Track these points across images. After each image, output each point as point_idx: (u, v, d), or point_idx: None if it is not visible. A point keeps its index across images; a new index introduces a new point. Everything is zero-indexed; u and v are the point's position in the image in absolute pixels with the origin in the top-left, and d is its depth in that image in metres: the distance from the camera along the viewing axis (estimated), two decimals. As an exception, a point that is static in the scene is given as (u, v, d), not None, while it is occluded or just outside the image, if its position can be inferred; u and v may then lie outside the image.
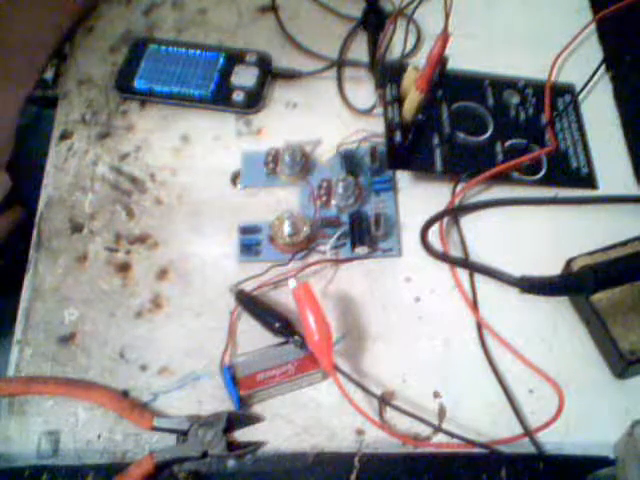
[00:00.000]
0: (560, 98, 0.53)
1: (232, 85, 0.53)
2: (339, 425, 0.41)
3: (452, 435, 0.40)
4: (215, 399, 0.42)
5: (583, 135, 0.51)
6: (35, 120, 0.62)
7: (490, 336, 0.44)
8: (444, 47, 0.46)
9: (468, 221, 0.48)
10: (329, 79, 0.54)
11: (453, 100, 0.51)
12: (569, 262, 0.43)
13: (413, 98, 0.48)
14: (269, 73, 0.54)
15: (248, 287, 0.45)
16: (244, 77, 0.54)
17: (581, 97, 0.52)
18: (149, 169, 0.51)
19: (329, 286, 0.46)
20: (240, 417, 0.41)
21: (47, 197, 0.50)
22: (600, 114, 0.52)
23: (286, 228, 0.45)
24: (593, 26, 0.56)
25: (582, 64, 0.53)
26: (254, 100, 0.53)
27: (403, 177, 0.50)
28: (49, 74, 0.57)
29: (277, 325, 0.43)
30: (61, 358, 0.44)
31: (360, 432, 0.41)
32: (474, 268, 0.45)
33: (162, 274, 0.47)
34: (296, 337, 0.42)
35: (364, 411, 0.40)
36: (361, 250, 0.46)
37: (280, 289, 0.45)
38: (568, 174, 0.49)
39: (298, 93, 0.54)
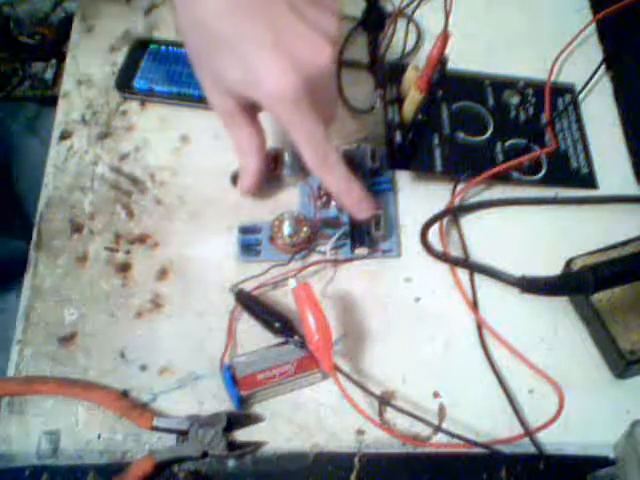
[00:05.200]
0: (560, 98, 0.53)
1: (232, 85, 0.53)
2: (339, 425, 0.41)
3: (452, 435, 0.40)
4: (215, 399, 0.42)
5: (583, 135, 0.51)
6: (34, 119, 0.62)
7: (490, 336, 0.44)
8: (444, 47, 0.46)
9: (468, 221, 0.48)
10: (329, 79, 0.54)
11: (453, 100, 0.51)
12: (569, 262, 0.43)
13: (413, 98, 0.48)
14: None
15: (248, 287, 0.45)
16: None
17: (581, 97, 0.52)
18: (149, 169, 0.51)
19: (329, 286, 0.46)
20: (240, 417, 0.41)
21: (47, 197, 0.50)
22: (600, 114, 0.52)
23: (286, 228, 0.45)
24: (593, 26, 0.55)
25: (582, 64, 0.53)
26: (254, 100, 0.53)
27: (403, 177, 0.50)
28: (49, 74, 0.57)
29: (277, 325, 0.43)
30: (61, 358, 0.44)
31: (360, 432, 0.41)
32: (474, 268, 0.45)
33: (162, 274, 0.47)
34: (296, 337, 0.42)
35: (364, 411, 0.40)
36: (361, 251, 0.46)
37: (280, 289, 0.45)
38: (568, 174, 0.49)
39: (298, 93, 0.54)
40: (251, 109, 0.43)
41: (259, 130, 0.45)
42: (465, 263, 0.46)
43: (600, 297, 0.42)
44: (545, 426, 0.40)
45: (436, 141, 0.50)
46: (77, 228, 0.49)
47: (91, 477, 0.41)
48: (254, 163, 0.45)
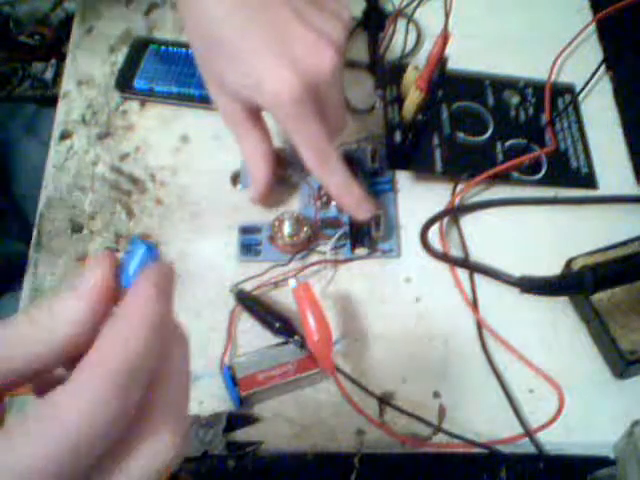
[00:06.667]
0: (560, 98, 0.53)
1: (232, 85, 0.53)
2: (339, 425, 0.41)
3: (452, 435, 0.40)
4: (215, 399, 0.42)
5: (583, 135, 0.51)
6: (33, 120, 0.62)
7: (490, 336, 0.44)
8: (444, 47, 0.46)
9: (468, 221, 0.48)
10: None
11: (453, 100, 0.51)
12: (569, 262, 0.43)
13: (413, 98, 0.48)
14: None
15: (248, 287, 0.45)
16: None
17: (581, 97, 0.52)
18: (149, 169, 0.51)
19: (329, 286, 0.46)
20: (240, 417, 0.41)
21: (47, 197, 0.50)
22: (600, 114, 0.52)
23: (286, 228, 0.45)
24: (593, 26, 0.56)
25: (582, 64, 0.53)
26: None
27: (403, 177, 0.50)
28: (49, 74, 0.57)
29: (277, 325, 0.43)
30: (61, 358, 0.44)
31: (360, 432, 0.41)
32: (474, 268, 0.45)
33: (162, 274, 0.47)
34: (296, 337, 0.42)
35: (364, 411, 0.40)
36: (361, 251, 0.46)
37: (280, 289, 0.45)
38: (568, 174, 0.49)
39: (298, 93, 0.54)
40: (256, 112, 0.43)
41: (265, 136, 0.45)
42: (465, 263, 0.46)
43: (600, 297, 0.42)
44: (545, 426, 0.40)
45: (436, 141, 0.50)
46: (77, 228, 0.49)
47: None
48: (261, 171, 0.45)
